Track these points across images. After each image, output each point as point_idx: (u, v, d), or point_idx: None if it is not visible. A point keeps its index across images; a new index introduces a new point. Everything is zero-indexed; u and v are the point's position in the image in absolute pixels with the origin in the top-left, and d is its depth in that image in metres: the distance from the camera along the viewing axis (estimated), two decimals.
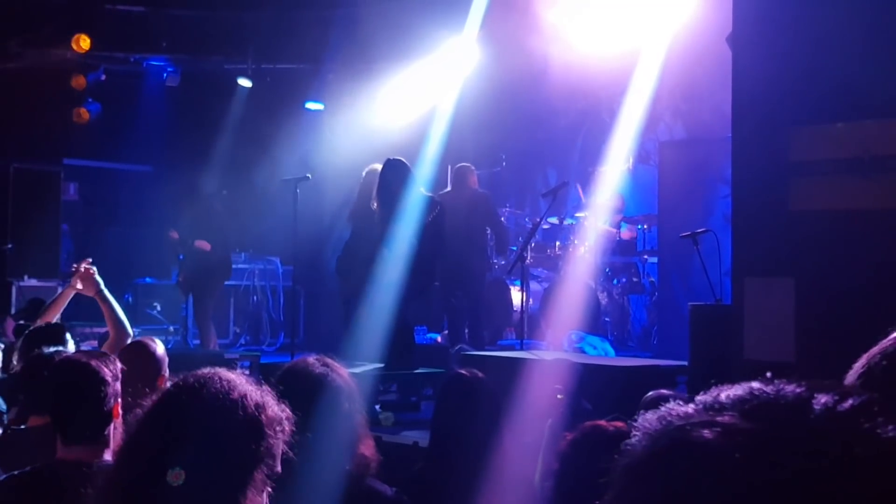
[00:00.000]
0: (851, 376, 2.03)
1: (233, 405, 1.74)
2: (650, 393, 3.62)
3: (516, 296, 9.88)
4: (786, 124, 5.00)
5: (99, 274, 5.38)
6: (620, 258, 11.01)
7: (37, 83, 11.61)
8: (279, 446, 1.78)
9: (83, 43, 11.49)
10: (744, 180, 5.29)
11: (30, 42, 11.53)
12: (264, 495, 1.75)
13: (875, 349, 2.00)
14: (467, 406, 3.81)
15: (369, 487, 2.89)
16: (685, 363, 6.21)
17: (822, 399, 0.77)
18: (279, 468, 1.78)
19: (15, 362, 4.55)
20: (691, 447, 0.76)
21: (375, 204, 7.60)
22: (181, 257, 10.13)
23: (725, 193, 7.81)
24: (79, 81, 11.99)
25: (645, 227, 10.98)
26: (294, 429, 1.83)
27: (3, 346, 5.30)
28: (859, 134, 4.77)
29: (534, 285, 10.59)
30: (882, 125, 4.73)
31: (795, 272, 4.94)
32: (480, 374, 4.03)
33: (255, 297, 12.28)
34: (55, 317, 5.46)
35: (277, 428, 1.77)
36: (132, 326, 5.34)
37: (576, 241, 10.64)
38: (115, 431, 3.02)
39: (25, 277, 11.14)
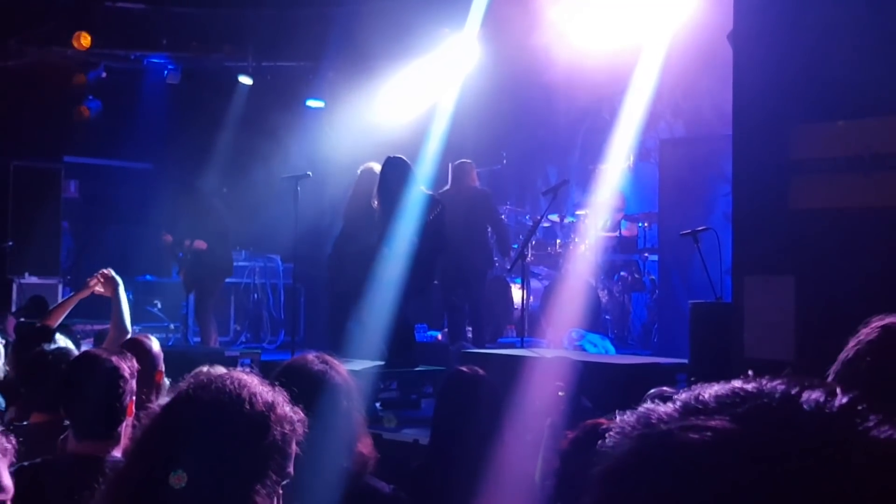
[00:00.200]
0: (837, 365, 2.03)
1: (240, 404, 1.74)
2: (651, 391, 3.62)
3: (517, 293, 9.88)
4: (786, 122, 5.00)
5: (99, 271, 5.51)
6: (621, 256, 11.01)
7: (37, 81, 11.61)
8: (291, 447, 1.77)
9: (84, 40, 11.48)
10: (744, 178, 5.29)
11: (30, 40, 11.53)
12: (275, 498, 1.74)
13: (855, 342, 2.01)
14: (468, 404, 3.81)
15: (367, 485, 2.89)
16: (685, 361, 6.22)
17: (810, 397, 0.75)
18: (291, 470, 1.77)
19: (2, 363, 4.58)
20: (679, 450, 0.74)
21: (376, 202, 7.61)
22: (181, 255, 10.14)
23: (726, 191, 7.81)
24: (79, 79, 11.99)
25: (645, 224, 10.98)
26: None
27: (4, 343, 5.32)
28: (860, 132, 4.77)
29: (534, 283, 10.59)
30: (883, 123, 4.73)
31: (796, 270, 4.94)
32: (481, 372, 4.03)
33: (255, 295, 12.28)
34: (60, 319, 5.53)
35: (288, 428, 1.76)
36: (133, 324, 5.41)
37: (576, 239, 10.64)
38: (127, 429, 3.03)
39: (26, 275, 11.15)
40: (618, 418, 0.83)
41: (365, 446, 2.85)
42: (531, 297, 9.89)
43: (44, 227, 11.47)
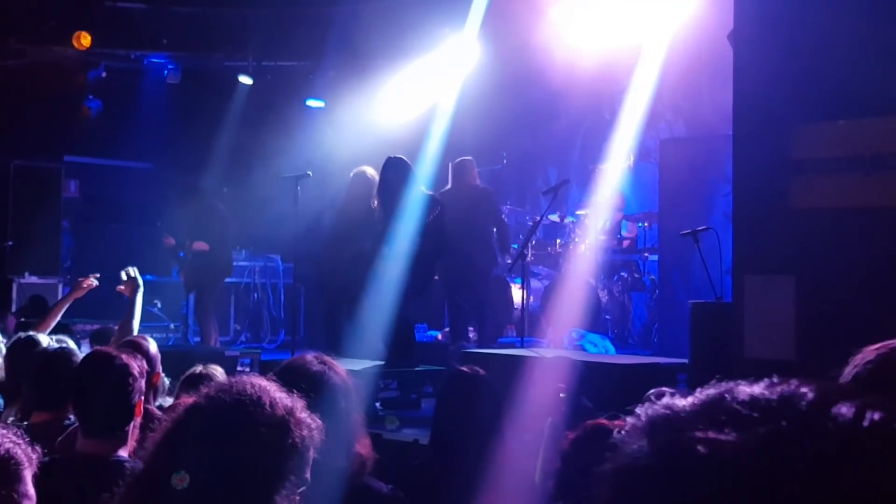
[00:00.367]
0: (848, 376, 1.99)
1: (261, 407, 1.75)
2: (651, 391, 3.61)
3: (517, 293, 9.87)
4: (787, 122, 4.99)
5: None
6: (621, 256, 11.00)
7: (38, 80, 11.62)
8: (309, 453, 1.79)
9: (84, 40, 11.48)
10: (745, 178, 5.28)
11: (31, 39, 11.53)
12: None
13: (863, 356, 1.96)
14: (468, 403, 3.81)
15: (366, 485, 2.89)
16: (686, 361, 6.21)
17: (840, 411, 0.71)
18: (308, 475, 1.78)
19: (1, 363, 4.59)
20: (695, 463, 0.71)
21: (376, 202, 7.60)
22: (182, 255, 10.14)
23: (726, 191, 7.80)
24: (80, 79, 11.99)
25: (646, 224, 10.97)
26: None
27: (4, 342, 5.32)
28: (860, 131, 4.76)
29: (534, 283, 10.59)
30: (883, 122, 4.72)
31: (796, 270, 4.93)
32: (482, 371, 4.03)
33: (255, 295, 12.29)
34: (53, 323, 5.57)
35: (307, 433, 1.78)
36: None
37: (576, 239, 10.64)
38: (134, 430, 3.04)
39: (26, 274, 11.14)
40: (634, 412, 0.80)
41: (363, 447, 2.85)
42: (531, 297, 9.88)
43: (44, 226, 11.47)
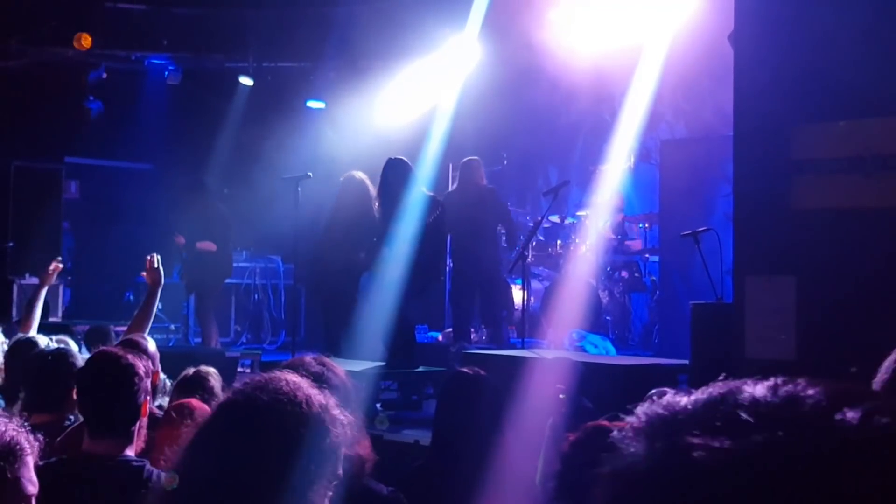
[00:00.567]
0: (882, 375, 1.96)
1: (298, 405, 1.76)
2: (652, 391, 3.61)
3: (517, 294, 9.87)
4: (787, 123, 4.99)
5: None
6: (622, 257, 11.00)
7: (38, 81, 11.62)
8: (342, 450, 1.80)
9: (84, 41, 11.48)
10: (745, 179, 5.28)
11: (31, 40, 11.53)
12: (327, 500, 1.75)
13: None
14: (469, 404, 3.80)
15: (365, 487, 2.89)
16: (686, 362, 6.20)
17: (846, 416, 0.69)
18: (341, 471, 1.78)
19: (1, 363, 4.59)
20: (696, 469, 0.70)
21: (376, 203, 7.60)
22: (184, 255, 10.14)
23: (727, 192, 7.79)
24: (80, 80, 11.99)
25: (646, 225, 10.97)
26: None
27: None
28: (861, 132, 4.76)
29: (535, 284, 10.58)
30: (884, 123, 4.72)
31: (797, 270, 4.93)
32: (482, 372, 4.02)
33: (256, 296, 12.29)
34: (35, 321, 5.57)
35: (340, 430, 1.79)
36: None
37: (577, 240, 10.63)
38: (141, 430, 3.05)
39: (27, 276, 11.13)
40: (634, 411, 0.79)
41: (363, 448, 2.84)
42: (532, 298, 9.88)
43: (44, 227, 11.47)
